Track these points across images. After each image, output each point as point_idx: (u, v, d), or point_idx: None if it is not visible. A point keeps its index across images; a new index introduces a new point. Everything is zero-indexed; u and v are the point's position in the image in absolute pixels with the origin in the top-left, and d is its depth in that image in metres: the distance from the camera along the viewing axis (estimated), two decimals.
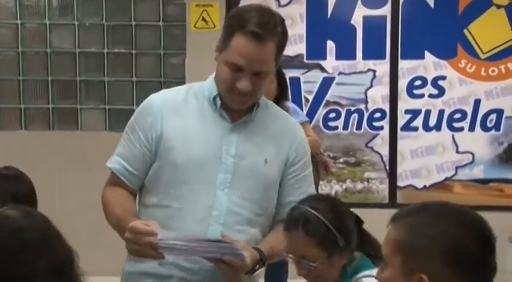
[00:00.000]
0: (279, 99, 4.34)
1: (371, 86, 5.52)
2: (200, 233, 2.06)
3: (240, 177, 2.13)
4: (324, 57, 5.50)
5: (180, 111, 2.15)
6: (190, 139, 2.12)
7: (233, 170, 2.13)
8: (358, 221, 2.19)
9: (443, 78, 5.44)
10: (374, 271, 2.04)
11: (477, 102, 5.44)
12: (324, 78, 5.50)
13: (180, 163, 2.10)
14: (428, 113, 5.49)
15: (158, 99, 2.19)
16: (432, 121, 5.49)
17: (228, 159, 2.12)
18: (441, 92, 5.47)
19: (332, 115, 5.54)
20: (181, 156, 2.10)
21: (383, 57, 5.48)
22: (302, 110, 4.78)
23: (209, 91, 2.16)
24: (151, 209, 2.15)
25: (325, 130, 5.51)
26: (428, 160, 5.53)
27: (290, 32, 5.45)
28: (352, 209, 2.18)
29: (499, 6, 5.38)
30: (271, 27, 2.03)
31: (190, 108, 2.16)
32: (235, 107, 2.14)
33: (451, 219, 1.47)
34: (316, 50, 5.48)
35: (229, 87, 2.07)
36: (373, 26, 5.48)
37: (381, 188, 5.59)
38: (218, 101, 2.13)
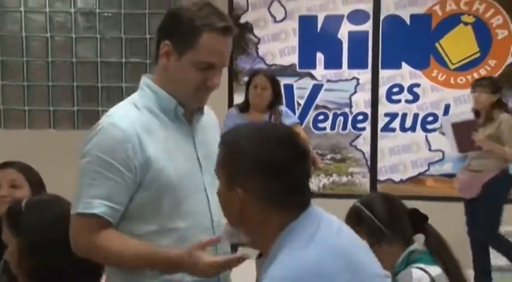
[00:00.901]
0: (274, 103, 4.32)
1: (355, 92, 5.51)
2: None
3: (212, 175, 1.71)
4: (314, 67, 5.49)
5: (149, 129, 1.72)
6: (172, 154, 1.73)
7: (208, 169, 1.77)
8: (417, 217, 2.14)
9: (418, 85, 5.43)
10: (429, 267, 2.03)
11: (447, 107, 5.42)
12: (314, 85, 5.49)
13: (175, 181, 1.71)
14: (404, 116, 5.47)
15: (126, 123, 1.69)
16: (408, 123, 5.48)
17: (203, 161, 1.81)
18: (416, 97, 5.46)
19: (321, 117, 5.53)
20: (173, 173, 1.71)
21: (365, 67, 5.47)
22: (295, 113, 4.76)
23: (167, 101, 1.76)
24: (150, 236, 1.71)
25: (314, 130, 5.50)
26: (405, 157, 5.51)
27: (284, 44, 5.53)
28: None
29: (466, 24, 5.36)
30: (230, 20, 1.77)
31: (152, 123, 1.74)
32: (200, 105, 1.82)
33: (260, 137, 1.42)
34: (307, 61, 5.47)
35: (198, 87, 1.74)
36: (357, 40, 5.46)
37: (363, 182, 5.57)
38: (180, 109, 1.77)
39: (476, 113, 4.68)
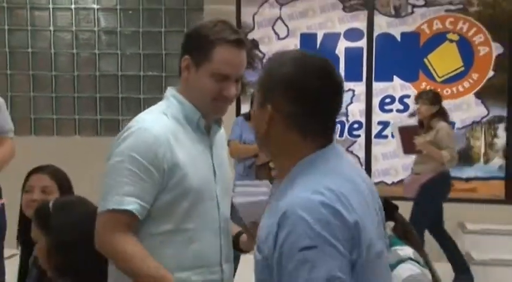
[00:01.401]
0: None
1: (351, 102, 5.50)
2: (216, 246, 1.77)
3: (224, 185, 1.82)
4: None
5: (177, 136, 1.70)
6: (195, 162, 1.71)
7: (220, 180, 1.80)
8: (389, 206, 2.13)
9: (408, 96, 5.43)
10: (404, 247, 2.02)
11: None
12: None
13: (195, 187, 1.68)
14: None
15: (158, 129, 1.67)
16: None
17: (217, 170, 1.79)
18: (406, 107, 5.46)
19: None
20: (194, 181, 1.68)
21: (360, 79, 5.47)
22: None
23: (192, 112, 1.75)
24: (166, 235, 1.68)
25: None
26: (396, 162, 5.50)
27: None
28: None
29: (451, 41, 5.38)
30: (243, 34, 1.77)
31: (179, 131, 1.72)
32: (218, 115, 1.81)
33: (296, 61, 1.33)
34: None
35: (215, 97, 1.72)
36: (352, 55, 5.47)
37: None
38: (202, 121, 1.76)
39: (420, 122, 4.78)
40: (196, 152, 1.73)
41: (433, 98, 4.67)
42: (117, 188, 1.62)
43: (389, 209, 2.15)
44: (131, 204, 1.61)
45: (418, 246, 2.11)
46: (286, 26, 5.51)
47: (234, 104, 5.50)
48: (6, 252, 3.53)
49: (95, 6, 5.71)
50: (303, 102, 1.30)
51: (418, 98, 4.73)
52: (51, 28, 5.72)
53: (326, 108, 1.32)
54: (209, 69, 1.71)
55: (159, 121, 1.70)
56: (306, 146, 1.31)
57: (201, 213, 1.71)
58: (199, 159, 1.73)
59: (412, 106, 5.27)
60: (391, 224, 2.15)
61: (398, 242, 2.08)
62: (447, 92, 5.38)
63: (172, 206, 1.67)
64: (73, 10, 5.71)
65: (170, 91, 1.81)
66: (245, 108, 5.22)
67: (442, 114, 4.70)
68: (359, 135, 5.54)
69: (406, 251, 2.03)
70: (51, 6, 5.71)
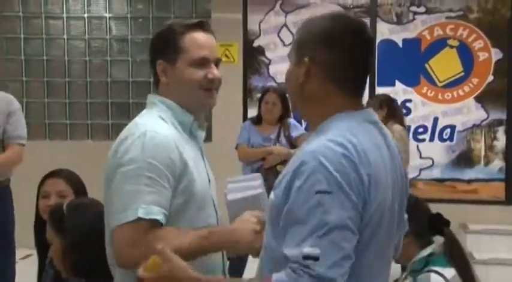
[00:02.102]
0: (283, 117, 4.32)
1: None
2: (219, 253, 1.67)
3: (214, 192, 1.72)
4: None
5: (181, 142, 1.58)
6: (198, 168, 1.61)
7: (213, 186, 1.71)
8: (439, 220, 2.07)
9: (410, 101, 5.42)
10: (445, 270, 1.96)
11: (436, 120, 5.41)
12: None
13: (199, 193, 1.58)
14: None
15: (167, 133, 1.54)
16: None
17: (209, 177, 1.70)
18: (408, 111, 5.44)
19: None
20: (199, 186, 1.59)
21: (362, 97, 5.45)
22: (301, 125, 4.74)
23: (184, 117, 1.64)
24: None
25: None
26: None
27: None
28: None
29: (451, 47, 5.37)
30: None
31: (178, 137, 1.59)
32: (211, 104, 1.68)
33: (329, 17, 1.37)
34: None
35: (202, 84, 1.62)
36: None
37: None
38: (195, 125, 1.66)
39: None
40: (194, 155, 1.62)
41: (379, 103, 4.61)
42: (141, 196, 1.45)
43: (439, 224, 2.08)
44: (159, 214, 1.46)
45: (466, 267, 2.01)
46: (291, 33, 5.49)
47: (240, 109, 5.51)
48: (22, 252, 3.55)
49: (107, 15, 5.73)
50: (339, 54, 1.31)
51: (366, 103, 4.67)
52: (65, 36, 5.74)
53: (359, 63, 1.34)
54: (185, 59, 1.61)
55: (161, 125, 1.57)
56: (340, 102, 1.33)
57: (203, 220, 1.61)
58: (198, 164, 1.63)
59: (413, 110, 5.27)
60: (440, 239, 2.07)
61: (443, 261, 1.97)
62: (448, 96, 5.37)
63: (179, 213, 1.55)
64: (86, 19, 5.73)
65: (155, 97, 1.66)
66: (252, 112, 5.21)
67: (394, 116, 4.62)
68: None
69: (446, 273, 1.93)
70: (65, 15, 5.74)
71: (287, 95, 4.31)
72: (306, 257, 1.17)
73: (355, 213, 1.20)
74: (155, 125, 1.55)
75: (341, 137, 1.24)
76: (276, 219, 1.27)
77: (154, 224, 1.46)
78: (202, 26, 1.63)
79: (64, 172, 2.37)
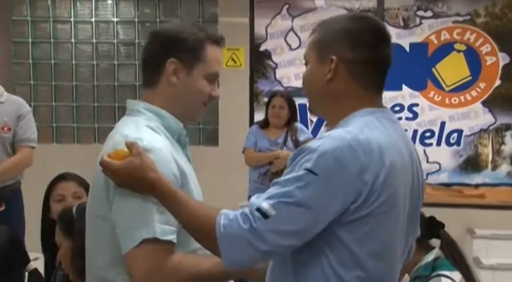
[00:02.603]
0: (290, 121, 4.32)
1: None
2: None
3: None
4: None
5: (174, 153, 1.49)
6: (192, 177, 1.53)
7: (201, 195, 1.59)
8: (433, 224, 2.07)
9: (417, 105, 5.40)
10: (453, 273, 1.97)
11: (443, 124, 5.39)
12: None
13: None
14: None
15: (163, 147, 1.45)
16: None
17: (198, 186, 1.59)
18: (415, 116, 5.42)
19: None
20: (196, 195, 1.50)
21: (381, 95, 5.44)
22: (308, 129, 4.75)
23: (175, 124, 1.54)
24: None
25: None
26: None
27: (298, 69, 5.54)
28: None
29: (458, 51, 5.33)
30: None
31: (173, 148, 1.51)
32: (200, 119, 1.65)
33: (349, 18, 1.44)
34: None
35: (206, 99, 1.57)
36: None
37: None
38: (184, 133, 1.58)
39: None
40: (187, 166, 1.53)
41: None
42: (156, 216, 1.37)
43: (434, 227, 2.09)
44: (172, 234, 1.38)
45: (467, 268, 2.02)
46: (298, 37, 5.50)
47: (247, 113, 5.50)
48: (30, 255, 3.54)
49: (114, 19, 5.74)
50: (363, 51, 1.35)
51: None
52: (73, 40, 5.76)
53: (381, 60, 1.39)
54: (204, 70, 1.54)
55: (156, 138, 1.46)
56: (361, 99, 1.37)
57: None
58: (191, 173, 1.54)
59: (420, 114, 5.25)
60: (437, 241, 2.07)
61: (448, 265, 1.97)
62: (455, 100, 5.35)
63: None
64: (93, 23, 5.75)
65: (139, 104, 1.55)
66: (258, 116, 5.21)
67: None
68: None
69: (454, 276, 1.93)
70: (72, 19, 5.76)
71: (293, 100, 4.38)
72: (258, 210, 1.22)
73: (330, 203, 1.22)
74: (153, 137, 1.45)
75: (356, 129, 1.28)
76: None
77: (169, 246, 1.39)
78: (221, 42, 1.59)
79: (72, 175, 2.41)
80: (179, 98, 1.55)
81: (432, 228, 2.08)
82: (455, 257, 2.02)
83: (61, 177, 2.41)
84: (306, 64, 1.45)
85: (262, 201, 1.24)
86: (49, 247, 2.19)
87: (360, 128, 1.28)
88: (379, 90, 1.41)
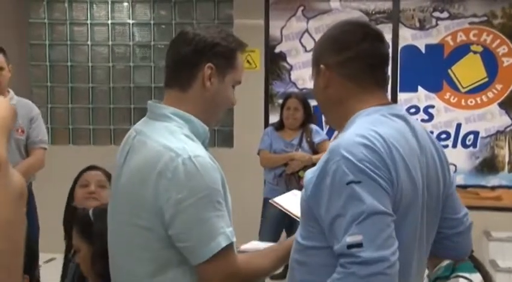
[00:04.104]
0: (305, 123, 4.31)
1: None
2: None
3: None
4: None
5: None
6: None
7: None
8: None
9: (432, 107, 5.36)
10: (472, 275, 1.97)
11: (459, 126, 5.34)
12: None
13: (230, 209, 1.53)
14: None
15: (203, 152, 1.47)
16: None
17: None
18: (430, 117, 5.38)
19: None
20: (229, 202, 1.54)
21: (385, 90, 5.41)
22: (322, 130, 4.73)
23: (202, 129, 1.54)
24: None
25: None
26: None
27: None
28: None
29: (475, 52, 5.28)
30: None
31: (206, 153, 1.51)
32: (217, 125, 1.69)
33: (333, 26, 1.48)
34: None
35: (230, 106, 1.63)
36: None
37: None
38: (209, 136, 1.59)
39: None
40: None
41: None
42: (217, 224, 1.41)
43: None
44: (233, 235, 1.45)
45: (486, 272, 2.02)
46: (313, 38, 5.48)
47: (262, 115, 5.50)
48: (45, 256, 3.57)
49: (130, 21, 5.77)
50: (346, 51, 1.38)
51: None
52: (89, 42, 5.79)
53: (371, 55, 1.39)
54: (234, 78, 1.57)
55: (197, 146, 1.47)
56: (362, 98, 1.38)
57: None
58: None
59: (436, 115, 5.20)
60: None
61: (469, 267, 1.96)
62: (471, 102, 5.30)
63: None
64: (109, 25, 5.78)
65: (166, 109, 1.54)
66: (273, 118, 5.21)
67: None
68: None
69: (473, 278, 1.93)
70: (89, 21, 5.79)
71: (308, 101, 4.36)
72: (350, 246, 1.19)
73: (387, 197, 1.24)
74: (193, 147, 1.45)
75: (362, 129, 1.29)
76: (306, 215, 1.33)
77: (232, 246, 1.45)
78: (244, 50, 1.61)
79: (99, 167, 2.48)
80: (209, 103, 1.55)
81: None
82: (476, 259, 2.01)
83: (90, 168, 2.50)
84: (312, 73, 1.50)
85: (342, 241, 1.21)
86: (70, 235, 2.21)
87: (364, 127, 1.30)
88: (379, 86, 1.42)
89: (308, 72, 5.86)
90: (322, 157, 1.31)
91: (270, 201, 1.66)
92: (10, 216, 0.33)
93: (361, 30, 1.42)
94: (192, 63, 1.52)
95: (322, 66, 1.40)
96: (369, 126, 1.30)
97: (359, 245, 1.18)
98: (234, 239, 1.44)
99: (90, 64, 5.80)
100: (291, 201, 1.73)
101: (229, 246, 1.42)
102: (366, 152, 1.25)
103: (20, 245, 0.34)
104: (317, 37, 5.62)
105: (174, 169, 1.38)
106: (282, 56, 5.53)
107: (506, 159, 5.31)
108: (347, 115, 1.38)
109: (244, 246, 1.79)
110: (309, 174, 1.33)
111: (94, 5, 5.80)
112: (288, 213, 1.69)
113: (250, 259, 1.52)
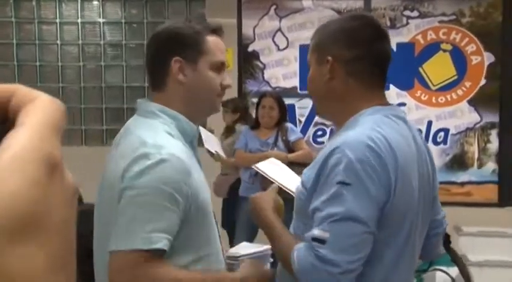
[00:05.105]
0: (280, 121, 4.32)
1: None
2: (222, 266, 1.56)
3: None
4: None
5: (188, 160, 1.44)
6: (203, 184, 1.50)
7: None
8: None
9: (404, 104, 5.42)
10: (450, 269, 2.00)
11: (429, 123, 5.41)
12: (313, 105, 5.46)
13: (207, 212, 1.48)
14: None
15: (180, 153, 1.41)
16: None
17: (209, 189, 1.58)
18: None
19: (319, 133, 5.50)
20: (206, 204, 1.48)
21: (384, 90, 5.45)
22: (297, 128, 4.75)
23: (188, 126, 1.50)
24: (187, 267, 1.43)
25: (314, 144, 5.43)
26: None
27: (286, 69, 5.55)
28: None
29: (445, 51, 5.36)
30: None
31: (187, 154, 1.45)
32: (218, 109, 1.62)
33: (345, 18, 1.47)
34: (306, 84, 5.45)
35: (219, 90, 1.53)
36: None
37: None
38: (197, 135, 1.56)
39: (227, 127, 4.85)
40: (197, 170, 1.49)
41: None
42: (143, 225, 1.34)
43: None
44: (160, 242, 1.34)
45: (463, 265, 2.05)
46: (286, 37, 5.50)
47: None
48: None
49: (101, 20, 5.70)
50: (358, 49, 1.37)
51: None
52: (58, 42, 5.70)
53: (378, 56, 1.40)
54: (208, 61, 1.50)
55: (175, 144, 1.42)
56: (364, 97, 1.38)
57: (211, 236, 1.51)
58: (202, 179, 1.51)
59: (407, 113, 5.27)
60: None
61: (447, 261, 2.00)
62: (442, 99, 5.38)
63: (193, 234, 1.44)
64: (79, 24, 5.69)
65: (154, 106, 1.50)
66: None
67: (246, 118, 4.71)
68: None
69: (451, 272, 1.96)
70: (58, 20, 5.69)
71: (283, 100, 4.38)
72: (314, 239, 1.25)
73: (372, 206, 1.24)
74: (173, 144, 1.41)
75: (368, 130, 1.29)
76: (304, 205, 1.35)
77: (156, 253, 1.35)
78: (220, 31, 1.55)
79: None
80: (192, 95, 1.51)
81: None
82: (454, 253, 2.05)
83: None
84: (309, 68, 1.46)
85: (313, 230, 1.26)
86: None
87: (369, 128, 1.29)
88: (381, 87, 1.43)
89: (281, 70, 5.93)
90: (322, 153, 1.32)
91: (253, 166, 1.62)
92: (67, 216, 0.33)
93: (373, 27, 1.41)
94: (160, 62, 1.50)
95: (330, 57, 1.38)
96: (374, 126, 1.30)
97: (322, 241, 1.23)
98: (160, 247, 1.34)
99: (59, 64, 5.70)
100: (274, 170, 1.71)
101: (149, 252, 1.33)
102: (369, 154, 1.25)
103: (74, 244, 0.34)
104: (290, 36, 5.67)
105: (143, 164, 1.36)
106: (255, 55, 5.52)
107: (476, 156, 5.41)
108: (347, 112, 1.37)
109: (232, 250, 1.74)
110: (307, 172, 1.34)
111: (63, 4, 5.70)
112: (274, 181, 1.66)
113: (166, 267, 1.37)
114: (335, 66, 1.37)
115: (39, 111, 0.35)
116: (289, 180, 1.96)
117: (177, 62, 1.49)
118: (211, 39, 1.51)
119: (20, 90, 0.37)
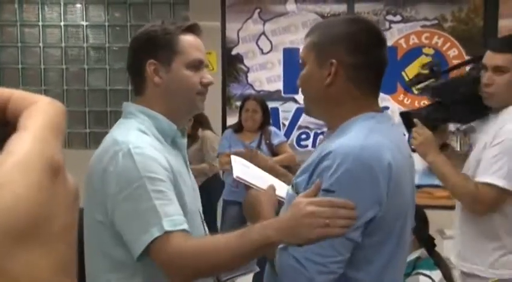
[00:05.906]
0: (264, 124, 4.32)
1: None
2: None
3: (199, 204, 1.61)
4: (297, 92, 5.44)
5: (166, 154, 1.45)
6: (184, 180, 1.49)
7: (198, 195, 1.61)
8: (427, 224, 2.10)
9: (387, 108, 5.42)
10: (433, 273, 1.99)
11: None
12: (297, 108, 5.46)
13: (188, 207, 1.46)
14: None
15: (148, 143, 1.42)
16: None
17: (195, 188, 1.60)
18: None
19: (303, 136, 5.51)
20: (188, 198, 1.47)
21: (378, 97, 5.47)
22: (280, 132, 4.75)
23: (168, 126, 1.51)
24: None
25: (297, 148, 5.45)
26: None
27: (270, 73, 5.55)
28: None
29: (427, 55, 5.39)
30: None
31: (164, 149, 1.46)
32: (201, 107, 1.58)
33: (346, 21, 1.43)
34: (290, 87, 5.43)
35: (198, 88, 1.52)
36: None
37: None
38: (179, 135, 1.55)
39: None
40: (180, 168, 1.49)
41: None
42: (159, 211, 1.33)
43: (424, 225, 2.12)
44: (184, 223, 1.34)
45: (447, 268, 2.06)
46: (270, 41, 5.50)
47: (219, 117, 5.49)
48: None
49: (84, 23, 5.66)
50: (363, 56, 1.35)
51: None
52: (41, 44, 5.65)
53: (378, 65, 1.38)
54: (182, 61, 1.50)
55: (144, 139, 1.43)
56: (360, 103, 1.36)
57: (194, 234, 1.45)
58: (183, 176, 1.50)
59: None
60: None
61: (429, 264, 2.00)
62: (424, 103, 5.40)
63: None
64: (62, 27, 5.65)
65: (134, 107, 1.52)
66: (231, 120, 5.20)
67: (205, 124, 4.72)
68: None
69: (433, 275, 1.97)
70: (40, 23, 5.65)
71: (266, 104, 4.39)
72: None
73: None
74: (137, 140, 1.41)
75: (362, 138, 1.28)
76: None
77: (184, 234, 1.34)
78: (195, 29, 1.54)
79: None
80: (170, 96, 1.51)
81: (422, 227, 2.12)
82: (439, 257, 2.06)
83: None
84: (303, 65, 1.42)
85: None
86: None
87: (364, 135, 1.28)
88: (376, 93, 1.42)
89: (265, 74, 5.94)
90: (314, 157, 1.31)
91: (235, 177, 1.58)
92: (69, 219, 0.33)
93: (377, 35, 1.40)
94: (137, 66, 1.52)
95: (334, 61, 1.34)
96: (368, 134, 1.29)
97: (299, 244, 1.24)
98: (178, 228, 1.33)
99: (42, 66, 5.65)
100: (252, 175, 1.68)
101: (166, 234, 1.31)
102: (360, 163, 1.24)
103: (75, 248, 0.34)
104: (274, 39, 5.68)
105: (116, 163, 1.37)
106: (239, 58, 5.52)
107: None
108: (341, 116, 1.36)
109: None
110: (300, 176, 1.34)
111: (45, 6, 5.65)
112: (256, 188, 1.62)
113: (202, 249, 1.34)
114: (338, 68, 1.35)
115: (40, 114, 0.35)
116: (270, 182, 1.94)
117: (151, 65, 1.50)
118: (185, 39, 1.51)
119: (17, 94, 0.37)
